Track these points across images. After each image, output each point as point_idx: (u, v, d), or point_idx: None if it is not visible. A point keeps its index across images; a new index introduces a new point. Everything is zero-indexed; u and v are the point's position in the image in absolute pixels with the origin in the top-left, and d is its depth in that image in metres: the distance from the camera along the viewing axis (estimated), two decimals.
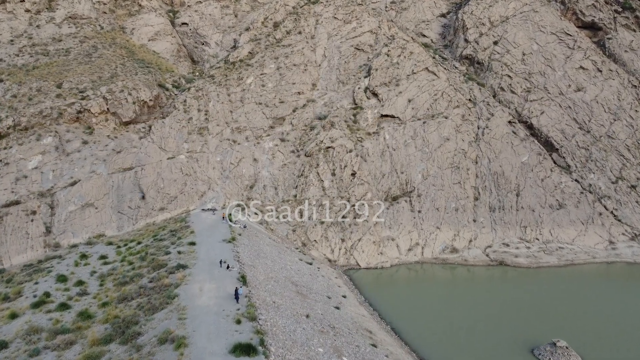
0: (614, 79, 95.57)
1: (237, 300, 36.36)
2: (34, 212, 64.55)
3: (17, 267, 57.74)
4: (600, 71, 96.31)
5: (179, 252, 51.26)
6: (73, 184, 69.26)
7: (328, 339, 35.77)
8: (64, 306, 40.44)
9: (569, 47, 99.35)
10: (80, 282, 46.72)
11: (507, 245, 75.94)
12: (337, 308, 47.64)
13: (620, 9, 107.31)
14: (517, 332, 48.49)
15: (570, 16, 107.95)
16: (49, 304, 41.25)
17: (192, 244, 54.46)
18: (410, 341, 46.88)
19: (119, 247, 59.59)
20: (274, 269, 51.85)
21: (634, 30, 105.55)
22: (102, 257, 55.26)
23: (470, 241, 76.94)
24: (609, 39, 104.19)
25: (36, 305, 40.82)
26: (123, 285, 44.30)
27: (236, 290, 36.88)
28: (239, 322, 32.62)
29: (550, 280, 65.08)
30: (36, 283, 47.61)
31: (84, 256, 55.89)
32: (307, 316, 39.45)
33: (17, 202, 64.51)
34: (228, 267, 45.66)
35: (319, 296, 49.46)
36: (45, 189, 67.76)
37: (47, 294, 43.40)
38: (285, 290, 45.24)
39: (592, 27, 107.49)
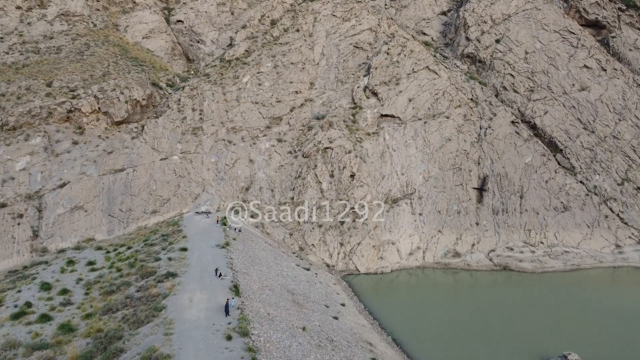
0: (618, 78, 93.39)
1: (228, 313, 33.91)
2: (20, 216, 62.11)
3: (1, 273, 55.30)
4: (605, 70, 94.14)
5: (170, 259, 48.86)
6: (62, 185, 66.80)
7: (326, 354, 33.44)
8: (45, 318, 38.17)
9: (573, 46, 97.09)
10: (64, 291, 44.32)
11: (511, 249, 73.55)
12: (336, 318, 45.29)
13: (624, 7, 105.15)
14: (524, 343, 46.00)
15: (574, 14, 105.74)
16: (30, 315, 38.90)
17: (184, 249, 52.03)
18: (413, 353, 44.44)
19: (108, 252, 57.12)
20: (269, 276, 49.46)
21: (639, 29, 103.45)
22: (90, 263, 52.81)
23: (473, 245, 74.60)
24: (613, 37, 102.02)
25: (16, 317, 38.47)
26: (109, 294, 42.08)
27: (227, 302, 34.44)
28: (229, 338, 30.28)
29: (556, 286, 62.75)
30: (19, 291, 45.10)
31: (70, 262, 53.38)
32: (304, 329, 37.09)
33: (3, 205, 62.07)
34: (220, 275, 43.29)
35: (317, 305, 47.10)
36: (33, 191, 65.32)
37: (29, 304, 41.01)
38: (281, 300, 42.86)
39: (595, 26, 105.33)
